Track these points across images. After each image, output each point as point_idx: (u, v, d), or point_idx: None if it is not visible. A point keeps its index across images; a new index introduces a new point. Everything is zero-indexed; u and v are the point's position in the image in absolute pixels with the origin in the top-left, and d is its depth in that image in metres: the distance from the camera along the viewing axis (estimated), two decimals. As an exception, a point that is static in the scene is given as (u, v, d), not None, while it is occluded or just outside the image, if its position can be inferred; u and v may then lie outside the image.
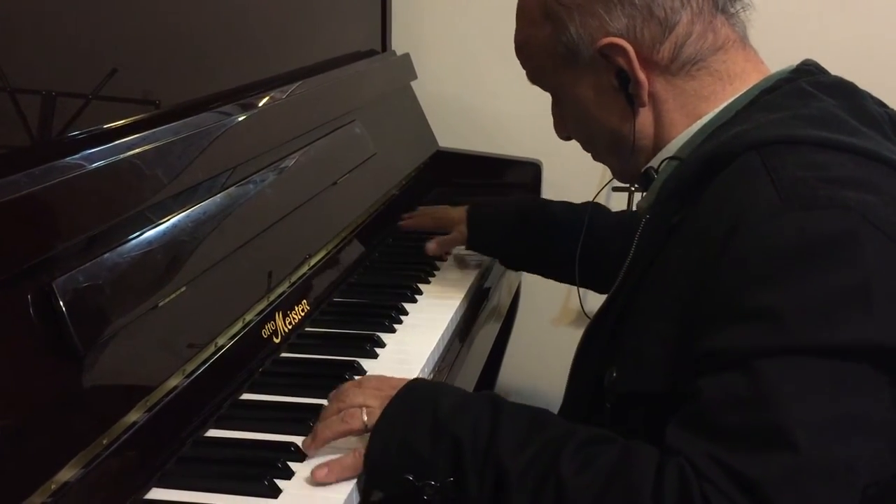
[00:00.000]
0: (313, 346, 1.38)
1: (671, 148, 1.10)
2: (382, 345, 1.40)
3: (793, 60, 1.12)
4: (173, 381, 1.10)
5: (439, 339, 1.43)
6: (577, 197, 1.88)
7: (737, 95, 1.08)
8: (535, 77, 1.18)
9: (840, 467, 0.85)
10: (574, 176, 2.26)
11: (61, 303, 0.95)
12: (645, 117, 1.10)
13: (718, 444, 0.88)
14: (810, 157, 0.96)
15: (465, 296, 1.62)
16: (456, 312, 1.55)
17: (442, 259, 1.78)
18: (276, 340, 1.33)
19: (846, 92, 1.06)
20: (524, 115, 2.30)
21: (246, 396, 1.23)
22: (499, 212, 1.69)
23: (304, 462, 1.07)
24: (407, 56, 2.24)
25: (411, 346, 1.41)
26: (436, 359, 1.41)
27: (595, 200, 1.49)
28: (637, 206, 1.16)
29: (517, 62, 1.20)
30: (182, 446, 1.09)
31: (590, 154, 1.22)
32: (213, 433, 1.14)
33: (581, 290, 1.41)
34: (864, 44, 2.14)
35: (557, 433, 0.98)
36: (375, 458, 1.02)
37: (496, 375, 2.35)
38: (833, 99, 1.03)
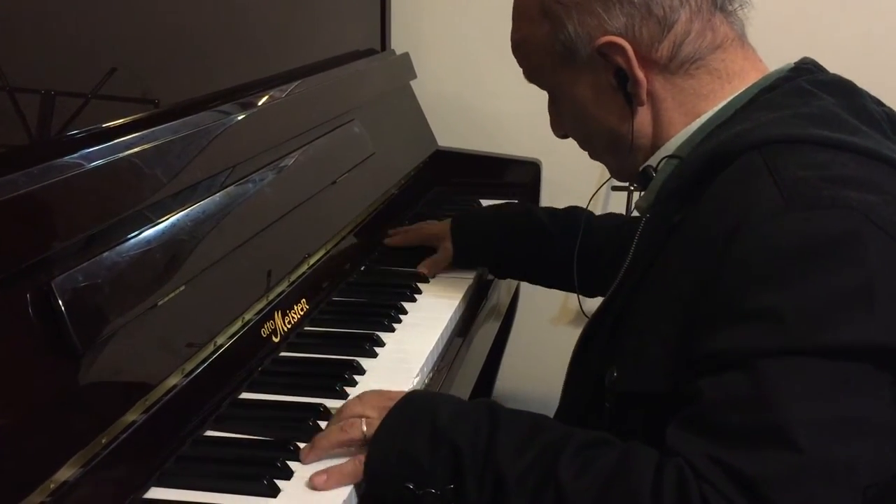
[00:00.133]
0: (312, 346, 1.37)
1: (670, 146, 1.10)
2: (382, 344, 1.39)
3: (790, 59, 1.11)
4: (172, 381, 1.10)
5: (438, 338, 1.43)
6: (577, 196, 1.88)
7: (736, 94, 1.07)
8: (533, 75, 1.18)
9: (841, 468, 0.85)
10: (573, 175, 2.26)
11: (60, 302, 0.94)
12: (643, 116, 1.10)
13: (718, 445, 0.88)
14: (812, 157, 0.96)
15: (465, 295, 1.62)
16: (455, 311, 1.54)
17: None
18: (276, 340, 1.33)
19: (845, 90, 1.06)
20: (523, 115, 2.29)
21: (245, 396, 1.23)
22: (482, 222, 1.69)
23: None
24: (406, 55, 2.24)
25: (411, 345, 1.41)
26: (435, 358, 1.40)
27: (591, 200, 1.49)
28: (635, 205, 1.16)
29: (516, 61, 1.19)
30: (181, 445, 1.09)
31: (587, 153, 1.22)
32: (212, 432, 1.14)
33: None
34: (862, 42, 2.14)
35: (555, 437, 0.98)
36: (375, 466, 1.02)
37: (495, 374, 2.35)
38: (833, 97, 1.03)
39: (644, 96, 1.08)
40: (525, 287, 2.24)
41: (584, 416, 1.10)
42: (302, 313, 1.42)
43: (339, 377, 1.26)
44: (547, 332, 2.49)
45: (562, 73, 1.12)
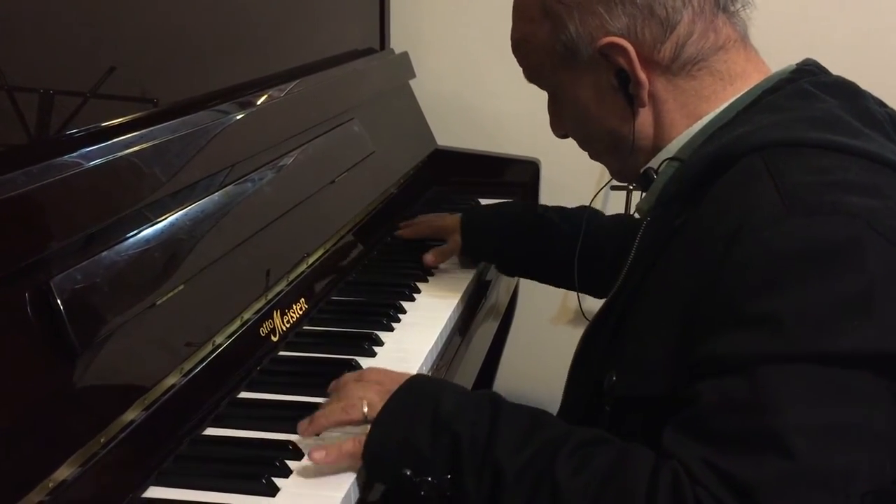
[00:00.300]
0: (311, 345, 1.37)
1: (671, 148, 1.10)
2: (381, 343, 1.39)
3: (791, 59, 1.11)
4: (171, 380, 1.10)
5: (437, 338, 1.43)
6: (576, 195, 1.88)
7: (738, 95, 1.07)
8: (533, 75, 1.18)
9: (837, 475, 0.85)
10: (572, 174, 2.27)
11: (59, 301, 0.94)
12: (645, 117, 1.10)
13: (714, 449, 0.88)
14: (814, 161, 0.96)
15: (464, 294, 1.62)
16: (454, 311, 1.54)
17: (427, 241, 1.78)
18: (274, 339, 1.33)
19: (848, 92, 1.05)
20: (523, 114, 2.29)
21: (244, 395, 1.23)
22: (493, 218, 1.69)
23: (302, 460, 1.07)
24: (405, 54, 2.24)
25: (410, 344, 1.41)
26: (434, 357, 1.41)
27: (593, 200, 1.49)
28: (636, 207, 1.16)
29: (516, 60, 1.19)
30: (180, 445, 1.09)
31: (587, 153, 1.22)
32: (210, 432, 1.14)
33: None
34: (864, 43, 2.14)
35: (555, 434, 0.98)
36: (375, 449, 1.02)
37: (494, 374, 2.35)
38: (835, 99, 1.03)
39: (646, 97, 1.08)
40: (524, 286, 2.25)
41: (584, 417, 1.10)
42: (301, 312, 1.42)
43: (338, 376, 1.26)
44: (546, 331, 2.49)
45: (562, 74, 1.12)
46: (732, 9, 1.08)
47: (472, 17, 2.34)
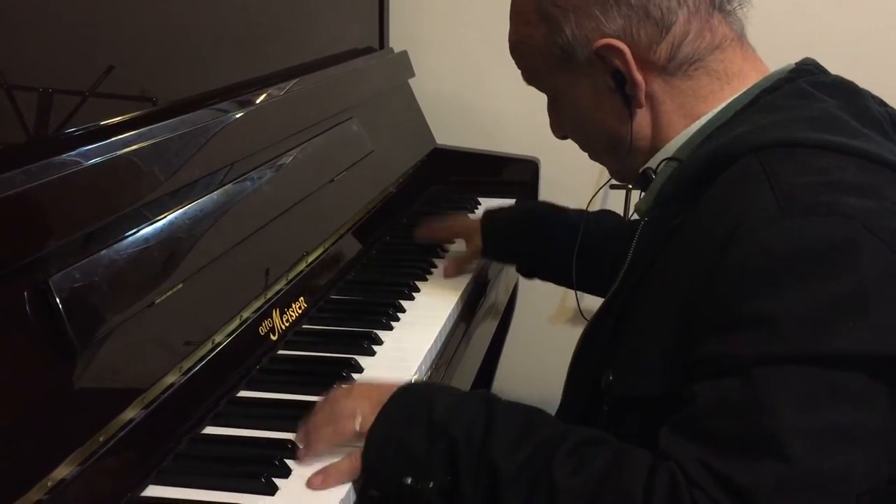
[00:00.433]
0: (310, 344, 1.37)
1: (669, 149, 1.10)
2: (380, 342, 1.39)
3: (790, 59, 1.11)
4: (170, 379, 1.10)
5: (437, 337, 1.43)
6: (575, 195, 1.88)
7: (736, 95, 1.07)
8: (531, 77, 1.17)
9: (832, 477, 0.85)
10: (572, 173, 2.26)
11: (58, 300, 0.94)
12: (642, 118, 1.09)
13: (710, 450, 0.88)
14: (811, 162, 0.95)
15: (463, 293, 1.62)
16: (453, 310, 1.55)
17: (444, 249, 1.78)
18: (274, 338, 1.33)
19: (847, 92, 1.05)
20: (522, 113, 2.29)
21: (243, 394, 1.22)
22: (514, 217, 1.67)
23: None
24: (404, 53, 2.24)
25: (409, 343, 1.41)
26: (433, 356, 1.40)
27: (592, 199, 1.48)
28: (635, 207, 1.16)
29: (515, 63, 1.19)
30: (179, 444, 1.09)
31: (587, 154, 1.22)
32: (209, 430, 1.14)
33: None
34: (863, 41, 2.14)
35: (551, 434, 0.97)
36: (372, 461, 1.02)
37: (493, 373, 2.35)
38: (833, 99, 1.02)
39: (643, 98, 1.07)
40: (523, 286, 2.25)
41: (583, 416, 1.10)
42: (300, 311, 1.42)
43: (338, 375, 1.26)
44: (545, 330, 2.49)
45: (560, 76, 1.11)
46: (729, 8, 1.08)
47: (472, 16, 2.34)
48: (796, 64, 1.10)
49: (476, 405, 1.02)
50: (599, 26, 1.05)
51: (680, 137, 1.09)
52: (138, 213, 1.11)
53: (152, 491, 1.02)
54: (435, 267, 1.72)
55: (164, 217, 1.15)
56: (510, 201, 2.15)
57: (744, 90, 1.07)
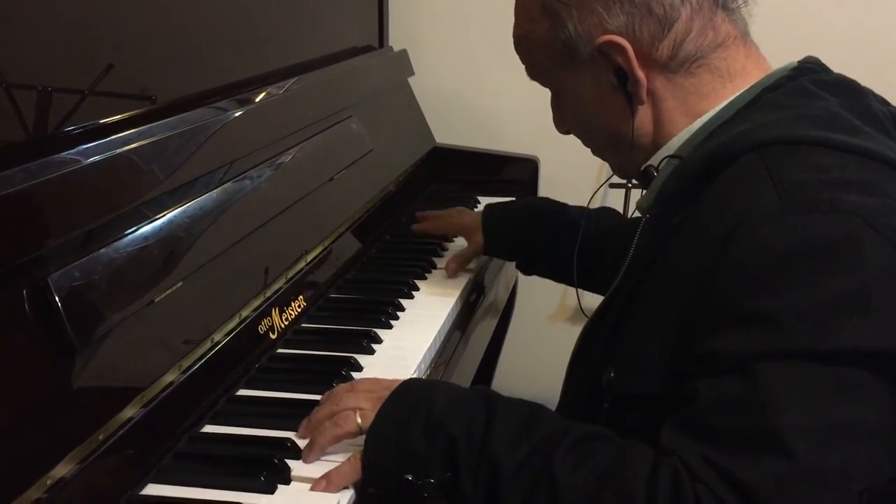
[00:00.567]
0: (310, 342, 1.37)
1: (671, 146, 1.10)
2: (379, 341, 1.39)
3: (791, 57, 1.11)
4: (169, 377, 1.10)
5: (436, 335, 1.43)
6: (574, 193, 1.88)
7: (738, 93, 1.07)
8: (534, 73, 1.18)
9: (834, 474, 0.85)
10: (571, 172, 2.27)
11: (57, 298, 0.94)
12: (644, 115, 1.09)
13: (713, 446, 0.88)
14: (812, 159, 0.95)
15: (462, 292, 1.62)
16: (453, 308, 1.54)
17: (443, 248, 1.77)
18: (273, 336, 1.33)
19: (849, 90, 1.05)
20: (521, 112, 2.30)
21: (242, 392, 1.22)
22: (516, 213, 1.66)
23: (301, 458, 1.07)
24: (404, 52, 2.24)
25: (408, 341, 1.41)
26: (432, 355, 1.40)
27: (592, 198, 1.48)
28: (636, 204, 1.16)
29: (515, 58, 1.19)
30: (178, 442, 1.09)
31: (590, 149, 1.22)
32: (209, 429, 1.14)
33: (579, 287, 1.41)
34: (864, 40, 2.14)
35: (552, 430, 0.97)
36: (372, 459, 1.02)
37: (493, 372, 2.35)
38: (836, 97, 1.02)
39: (644, 95, 1.07)
40: (522, 284, 2.25)
41: (583, 414, 1.10)
42: (299, 310, 1.42)
43: (337, 374, 1.26)
44: (544, 329, 2.49)
45: (563, 72, 1.12)
46: (732, 6, 1.08)
47: (471, 15, 2.35)
48: (799, 62, 1.10)
49: (476, 402, 1.02)
50: (602, 22, 1.05)
51: (682, 135, 1.09)
52: (138, 211, 1.11)
53: (151, 489, 1.01)
54: (434, 266, 1.72)
55: (164, 215, 1.15)
56: (510, 200, 2.15)
57: (746, 88, 1.07)
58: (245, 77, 1.52)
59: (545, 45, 1.11)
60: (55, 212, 0.98)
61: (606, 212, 1.65)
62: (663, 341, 0.99)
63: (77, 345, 0.96)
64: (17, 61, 1.02)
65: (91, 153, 1.05)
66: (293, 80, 1.63)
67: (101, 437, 0.97)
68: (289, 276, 1.42)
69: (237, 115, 1.38)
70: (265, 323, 1.32)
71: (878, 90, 1.08)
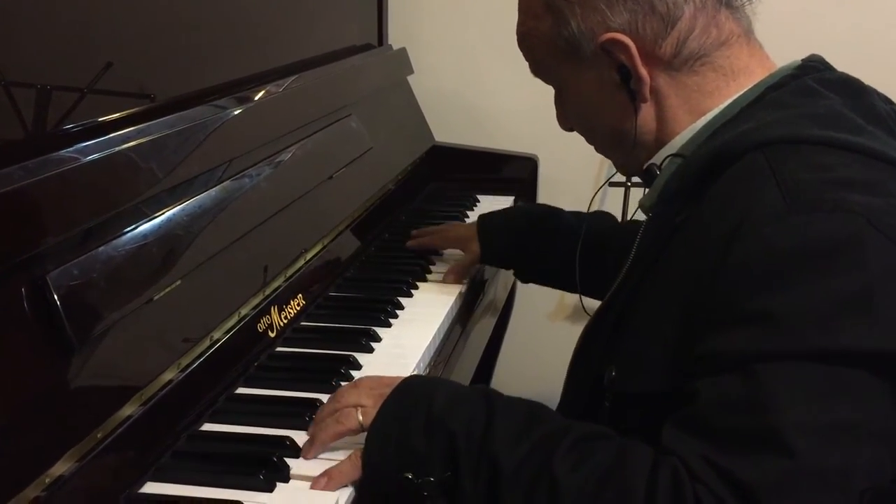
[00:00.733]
0: (309, 341, 1.37)
1: (674, 144, 1.09)
2: (378, 339, 1.39)
3: (798, 55, 1.11)
4: (168, 375, 1.10)
5: (435, 334, 1.43)
6: (574, 192, 1.88)
7: (741, 92, 1.06)
8: (537, 70, 1.17)
9: (835, 473, 0.85)
10: (570, 171, 2.27)
11: (55, 296, 0.94)
12: (647, 113, 1.09)
13: (713, 446, 0.88)
14: (816, 158, 0.95)
15: (462, 290, 1.61)
16: (452, 307, 1.54)
17: (439, 252, 1.77)
18: (272, 334, 1.33)
19: (853, 89, 1.05)
20: (521, 110, 2.30)
21: (241, 390, 1.22)
22: (509, 221, 1.66)
23: (300, 456, 1.07)
24: (403, 50, 2.24)
25: (407, 340, 1.41)
26: (432, 353, 1.40)
27: (593, 197, 1.48)
28: (639, 203, 1.16)
29: (514, 57, 1.19)
30: (177, 440, 1.09)
31: (592, 147, 1.22)
32: (208, 427, 1.14)
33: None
34: (870, 37, 2.13)
35: (552, 429, 0.97)
36: (373, 457, 1.02)
37: (492, 370, 2.35)
38: (839, 96, 1.02)
39: (647, 93, 1.07)
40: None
41: (584, 413, 1.10)
42: (298, 308, 1.42)
43: (336, 372, 1.26)
44: (544, 327, 2.49)
45: (565, 69, 1.11)
46: (736, 4, 1.08)
47: (471, 13, 2.34)
48: (802, 60, 1.09)
49: (476, 400, 1.02)
50: (605, 20, 1.05)
51: (685, 133, 1.09)
52: (136, 209, 1.11)
53: (150, 488, 1.01)
54: (433, 264, 1.71)
55: (163, 214, 1.14)
56: (509, 198, 2.15)
57: (750, 86, 1.07)
58: (244, 75, 1.51)
59: (548, 42, 1.10)
60: (54, 210, 0.98)
61: (602, 215, 1.64)
62: (665, 340, 0.99)
63: (76, 343, 0.96)
64: (16, 59, 1.02)
65: (90, 151, 1.05)
66: (292, 78, 1.63)
67: (99, 436, 0.97)
68: (288, 275, 1.42)
69: (236, 113, 1.37)
70: (264, 321, 1.32)
71: (881, 89, 1.08)
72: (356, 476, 1.03)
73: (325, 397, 1.17)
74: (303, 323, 1.43)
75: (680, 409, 0.93)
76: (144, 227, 1.11)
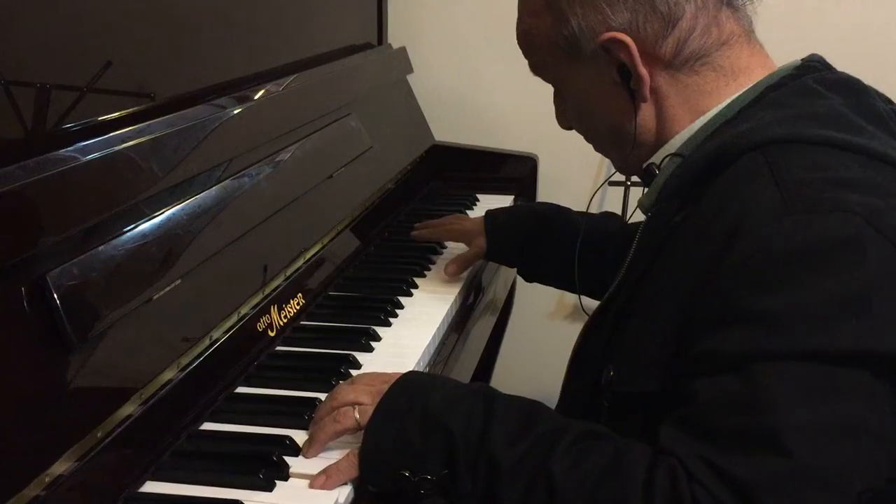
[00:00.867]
0: (308, 340, 1.37)
1: (674, 144, 1.09)
2: (378, 338, 1.39)
3: (798, 55, 1.11)
4: (168, 375, 1.10)
5: (435, 333, 1.43)
6: (574, 191, 1.88)
7: (741, 91, 1.06)
8: (537, 68, 1.17)
9: (833, 474, 0.85)
10: (570, 170, 2.27)
11: (55, 295, 0.94)
12: (647, 112, 1.09)
13: (711, 446, 0.88)
14: (815, 158, 0.95)
15: (461, 289, 1.61)
16: (451, 306, 1.54)
17: (442, 245, 1.77)
18: (272, 334, 1.33)
19: (853, 89, 1.05)
20: (520, 109, 2.30)
21: (241, 390, 1.22)
22: (517, 219, 1.64)
23: (299, 455, 1.07)
24: (403, 50, 2.24)
25: (407, 339, 1.41)
26: (431, 352, 1.40)
27: (592, 197, 1.48)
28: (638, 202, 1.16)
29: (514, 56, 1.19)
30: (177, 440, 1.09)
31: (592, 146, 1.21)
32: (207, 426, 1.14)
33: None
34: (870, 37, 2.13)
35: (550, 428, 0.97)
36: (370, 455, 1.02)
37: (492, 369, 2.35)
38: (839, 97, 1.02)
39: (647, 93, 1.07)
40: (521, 282, 2.24)
41: (583, 412, 1.10)
42: (298, 308, 1.42)
43: (335, 371, 1.26)
44: (543, 326, 2.49)
45: (565, 68, 1.11)
46: (737, 4, 1.08)
47: (470, 12, 2.34)
48: (803, 60, 1.09)
49: (474, 398, 1.02)
50: (606, 19, 1.05)
51: (684, 133, 1.09)
52: (136, 208, 1.10)
53: (150, 487, 1.01)
54: (433, 263, 1.71)
55: (162, 213, 1.14)
56: (508, 198, 2.15)
57: (749, 86, 1.07)
58: (244, 74, 1.51)
59: (548, 40, 1.10)
60: (54, 209, 0.98)
61: (610, 216, 1.64)
62: (664, 340, 0.99)
63: (75, 342, 0.96)
64: (16, 58, 1.02)
65: (89, 150, 1.05)
66: (292, 77, 1.63)
67: (99, 435, 0.97)
68: (287, 274, 1.42)
69: (236, 112, 1.37)
70: (264, 320, 1.32)
71: (881, 89, 1.08)
72: (354, 474, 1.03)
73: (324, 396, 1.17)
74: (302, 322, 1.43)
75: (678, 409, 0.93)
76: (144, 226, 1.11)
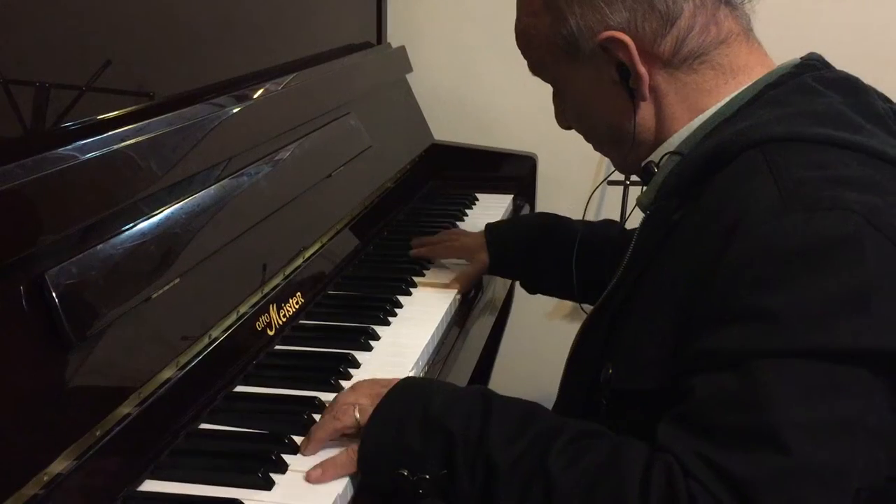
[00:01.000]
0: (308, 339, 1.37)
1: (673, 142, 1.09)
2: (377, 337, 1.39)
3: (797, 53, 1.11)
4: (167, 373, 1.10)
5: (434, 332, 1.43)
6: (573, 190, 1.88)
7: (740, 90, 1.07)
8: (535, 68, 1.17)
9: (830, 471, 0.85)
10: (569, 169, 2.27)
11: (54, 294, 0.94)
12: (646, 111, 1.09)
13: (708, 443, 0.88)
14: (814, 156, 0.95)
15: (461, 289, 1.61)
16: (451, 305, 1.54)
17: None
18: (271, 333, 1.33)
19: (851, 88, 1.05)
20: (520, 109, 2.30)
21: (240, 389, 1.22)
22: (519, 233, 1.63)
23: (298, 454, 1.07)
24: (402, 49, 2.24)
25: (406, 338, 1.41)
26: (430, 351, 1.40)
27: (591, 196, 1.48)
28: (637, 201, 1.16)
29: (513, 55, 1.19)
30: (175, 438, 1.09)
31: (591, 145, 1.21)
32: (206, 425, 1.14)
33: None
34: (869, 36, 2.13)
35: (547, 427, 0.98)
36: (369, 454, 1.02)
37: (491, 369, 2.35)
38: (838, 95, 1.02)
39: (646, 91, 1.07)
40: (520, 281, 2.25)
41: (581, 411, 1.10)
42: (297, 307, 1.42)
43: (334, 370, 1.26)
44: (542, 326, 2.49)
45: (564, 67, 1.11)
46: (736, 2, 1.08)
47: (470, 11, 2.34)
48: (801, 58, 1.10)
49: (473, 400, 1.02)
50: (604, 18, 1.05)
51: (683, 131, 1.09)
52: (135, 207, 1.10)
53: (149, 486, 1.01)
54: (432, 262, 1.71)
55: (161, 212, 1.14)
56: (508, 197, 2.15)
57: (748, 85, 1.07)
58: (243, 73, 1.51)
59: (546, 39, 1.10)
60: (52, 208, 0.98)
61: (610, 223, 1.63)
62: (662, 337, 0.99)
63: (74, 341, 0.96)
64: (15, 57, 1.02)
65: (88, 149, 1.05)
66: (291, 76, 1.63)
67: (98, 434, 0.97)
68: (286, 273, 1.42)
69: (235, 111, 1.37)
70: (263, 319, 1.32)
71: (880, 87, 1.08)
72: (351, 470, 1.03)
73: (323, 396, 1.18)
74: (301, 321, 1.43)
75: (675, 406, 0.93)
76: (143, 225, 1.10)
